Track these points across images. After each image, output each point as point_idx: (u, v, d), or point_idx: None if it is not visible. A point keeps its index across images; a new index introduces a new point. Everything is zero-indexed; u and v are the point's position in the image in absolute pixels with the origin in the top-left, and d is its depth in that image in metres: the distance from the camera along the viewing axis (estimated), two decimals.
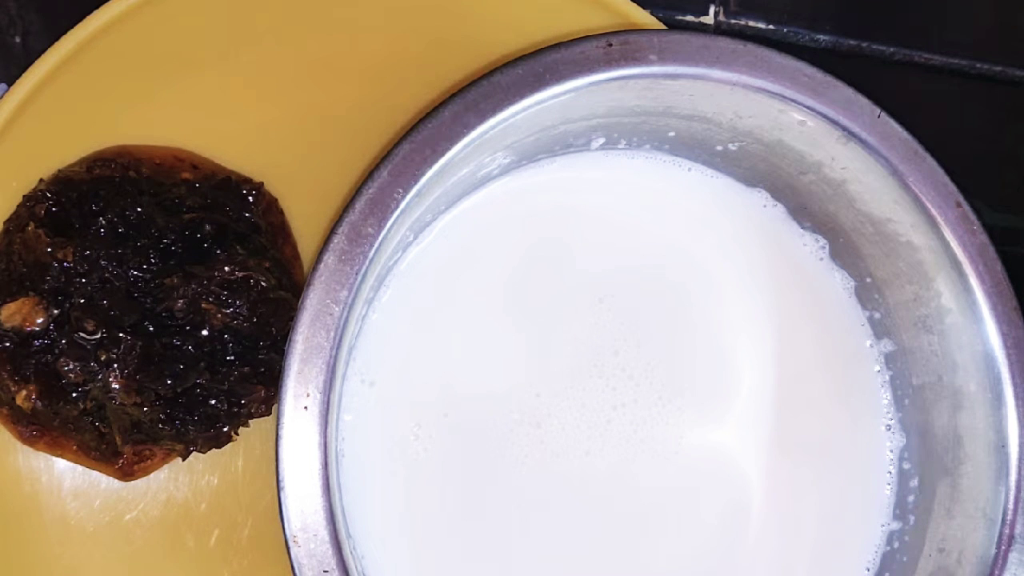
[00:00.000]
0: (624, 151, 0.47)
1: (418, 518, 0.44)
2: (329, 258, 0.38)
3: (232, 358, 0.45)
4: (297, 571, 0.38)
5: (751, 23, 0.52)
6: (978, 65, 0.53)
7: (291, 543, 0.38)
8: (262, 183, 0.47)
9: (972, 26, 0.53)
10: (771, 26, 0.52)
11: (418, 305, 0.45)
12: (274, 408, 0.46)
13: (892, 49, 0.52)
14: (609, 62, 0.41)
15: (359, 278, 0.38)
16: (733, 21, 0.52)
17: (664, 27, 0.48)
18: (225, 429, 0.45)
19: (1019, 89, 0.53)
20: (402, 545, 0.44)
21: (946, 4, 0.53)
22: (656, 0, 0.48)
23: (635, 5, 0.47)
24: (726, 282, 0.47)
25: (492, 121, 0.40)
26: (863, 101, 0.42)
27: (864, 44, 0.52)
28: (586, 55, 0.41)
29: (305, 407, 0.38)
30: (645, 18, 0.47)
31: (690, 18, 0.51)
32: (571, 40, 0.41)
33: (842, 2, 0.52)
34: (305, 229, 0.48)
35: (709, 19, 0.52)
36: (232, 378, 0.45)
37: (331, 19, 0.48)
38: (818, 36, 0.52)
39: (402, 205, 0.39)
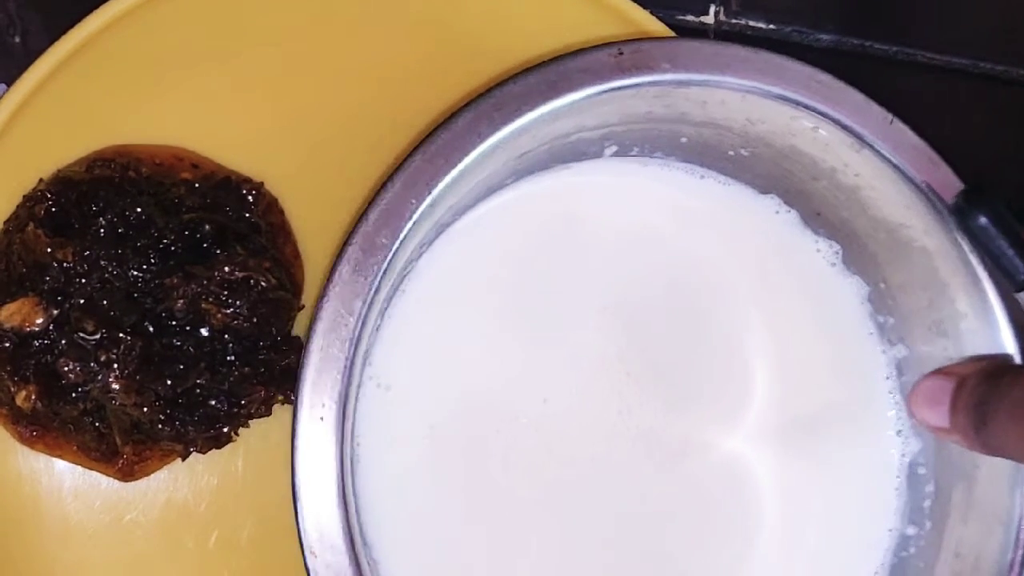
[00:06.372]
0: (636, 158, 0.47)
1: (429, 521, 0.44)
2: (344, 269, 0.38)
3: (232, 358, 0.45)
4: None
5: (752, 23, 0.52)
6: (981, 64, 0.53)
7: (308, 554, 0.38)
8: (262, 183, 0.47)
9: (975, 26, 0.53)
10: (772, 26, 0.52)
11: (431, 310, 0.45)
12: (274, 408, 0.46)
13: (895, 49, 0.52)
14: (621, 70, 0.41)
15: (373, 289, 0.39)
16: (734, 21, 0.52)
17: (674, 34, 0.47)
18: (225, 429, 0.45)
19: (1022, 89, 0.53)
20: (414, 549, 0.44)
21: (949, 3, 0.53)
22: (656, 0, 0.48)
23: (647, 14, 0.47)
24: (738, 288, 0.47)
25: (505, 131, 0.40)
26: (875, 107, 0.42)
27: (867, 44, 0.52)
28: (598, 64, 0.40)
29: (321, 417, 0.38)
30: (656, 26, 0.47)
31: (690, 18, 0.51)
32: (582, 49, 0.41)
33: (844, 2, 0.52)
34: (306, 229, 0.48)
35: (709, 19, 0.51)
36: (232, 378, 0.45)
37: (333, 21, 0.47)
38: (820, 36, 0.52)
39: (415, 216, 0.39)
